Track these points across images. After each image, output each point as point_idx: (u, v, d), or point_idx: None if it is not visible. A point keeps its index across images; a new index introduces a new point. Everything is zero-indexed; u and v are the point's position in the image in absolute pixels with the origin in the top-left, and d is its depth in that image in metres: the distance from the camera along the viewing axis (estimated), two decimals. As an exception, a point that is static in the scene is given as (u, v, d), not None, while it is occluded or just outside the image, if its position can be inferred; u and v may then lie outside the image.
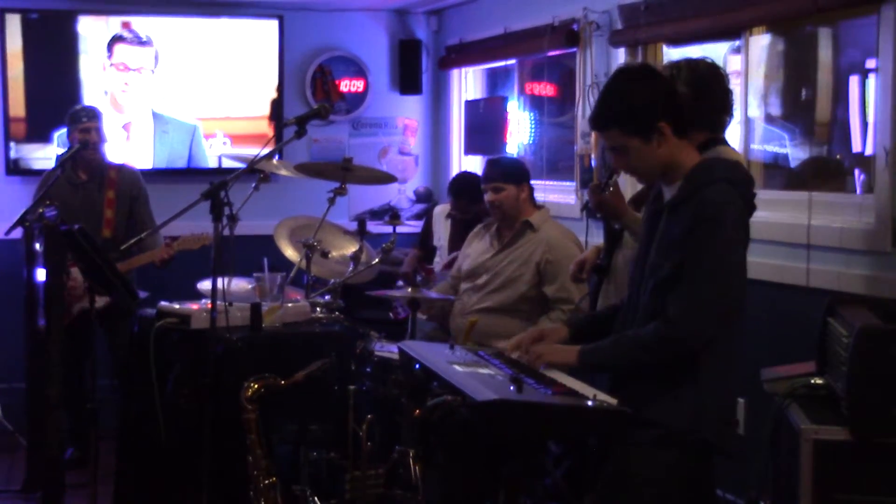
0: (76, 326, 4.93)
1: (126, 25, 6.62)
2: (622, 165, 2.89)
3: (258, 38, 6.87)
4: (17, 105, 6.50)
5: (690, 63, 3.33)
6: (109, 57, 6.60)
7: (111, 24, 6.63)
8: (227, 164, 6.64)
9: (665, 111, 2.78)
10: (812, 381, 3.06)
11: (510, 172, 4.72)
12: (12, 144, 6.52)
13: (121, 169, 5.60)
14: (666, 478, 2.76)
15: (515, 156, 6.19)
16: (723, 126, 3.37)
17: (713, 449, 2.81)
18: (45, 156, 6.45)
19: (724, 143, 3.38)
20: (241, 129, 6.89)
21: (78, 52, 6.57)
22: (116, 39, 6.60)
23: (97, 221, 5.39)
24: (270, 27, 6.88)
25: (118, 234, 5.39)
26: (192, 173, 6.65)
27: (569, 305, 4.47)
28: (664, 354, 2.74)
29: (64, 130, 6.15)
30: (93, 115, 5.48)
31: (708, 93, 3.23)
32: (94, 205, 5.43)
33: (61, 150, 5.93)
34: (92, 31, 6.58)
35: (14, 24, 6.44)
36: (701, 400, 2.76)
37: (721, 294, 2.73)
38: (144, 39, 6.65)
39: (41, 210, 4.75)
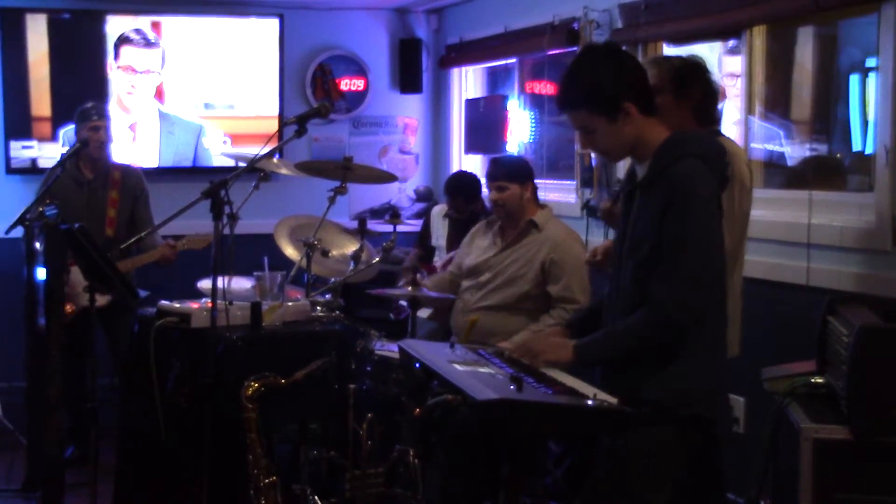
0: (77, 325, 4.93)
1: (155, 25, 6.67)
2: (589, 145, 2.89)
3: (258, 37, 6.87)
4: (43, 105, 6.53)
5: (681, 59, 3.38)
6: (116, 59, 6.60)
7: (140, 24, 6.66)
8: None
9: (630, 90, 2.76)
10: (812, 380, 3.06)
11: (514, 171, 4.72)
12: (34, 143, 6.53)
13: (125, 169, 5.61)
14: (660, 453, 2.75)
15: (519, 155, 6.19)
16: (717, 117, 3.41)
17: (708, 423, 2.80)
18: (47, 155, 6.46)
19: (722, 135, 3.40)
20: (240, 127, 6.89)
21: (106, 52, 6.60)
22: (123, 41, 6.61)
23: (101, 220, 5.40)
24: (271, 26, 6.88)
25: (120, 233, 5.40)
26: (197, 172, 6.65)
27: (572, 305, 4.47)
28: (657, 339, 2.73)
29: (70, 128, 6.19)
30: (103, 112, 5.49)
31: (696, 84, 3.26)
32: (99, 203, 5.44)
33: (66, 149, 5.93)
34: (120, 30, 6.63)
35: (39, 24, 6.47)
36: (690, 375, 2.75)
37: (702, 270, 2.70)
38: (152, 41, 6.65)
39: (41, 209, 4.76)
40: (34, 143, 6.53)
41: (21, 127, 6.51)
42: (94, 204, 5.43)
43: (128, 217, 5.49)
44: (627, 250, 2.81)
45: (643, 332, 2.73)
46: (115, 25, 6.59)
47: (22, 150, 6.49)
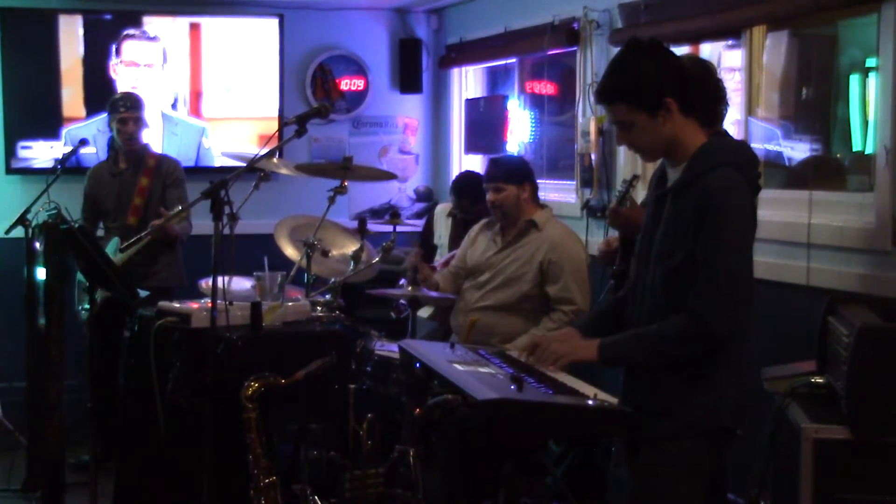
0: (103, 316, 4.79)
1: (194, 27, 6.75)
2: (625, 141, 2.86)
3: (258, 37, 6.87)
4: (77, 105, 6.58)
5: (693, 59, 3.37)
6: (118, 55, 6.62)
7: (178, 24, 6.71)
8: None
9: (673, 87, 2.74)
10: (812, 380, 3.06)
11: (511, 172, 4.71)
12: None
13: (160, 157, 5.60)
14: (694, 467, 2.76)
15: (518, 155, 6.18)
16: (721, 118, 3.40)
17: (733, 434, 2.80)
18: (44, 154, 6.49)
19: (728, 136, 3.40)
20: (240, 127, 6.89)
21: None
22: (125, 37, 6.64)
23: (125, 208, 5.40)
24: (271, 26, 6.88)
25: (147, 221, 5.29)
26: (200, 172, 6.64)
27: (570, 306, 4.47)
28: (690, 350, 2.71)
29: (73, 128, 6.21)
30: (131, 104, 5.47)
31: (703, 85, 3.25)
32: (127, 192, 5.45)
33: (69, 149, 5.95)
34: (158, 30, 6.72)
35: (71, 25, 6.53)
36: (721, 388, 2.74)
37: (740, 283, 2.70)
38: (153, 36, 6.67)
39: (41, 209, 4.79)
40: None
41: (51, 127, 6.55)
42: (123, 193, 5.45)
43: (157, 204, 5.44)
44: (656, 255, 2.79)
45: (677, 342, 2.70)
46: (154, 27, 6.68)
47: (51, 150, 6.49)
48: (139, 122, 5.45)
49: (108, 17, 6.61)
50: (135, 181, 5.43)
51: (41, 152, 6.50)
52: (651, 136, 2.78)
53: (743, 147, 2.97)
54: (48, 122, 6.55)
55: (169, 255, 5.44)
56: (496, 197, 4.67)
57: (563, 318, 4.42)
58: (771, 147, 4.58)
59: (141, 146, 5.50)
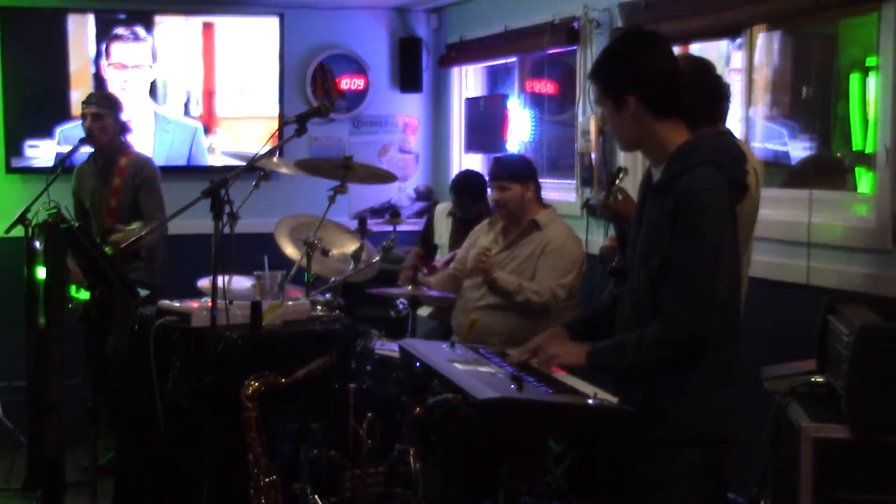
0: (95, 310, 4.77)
1: (207, 26, 6.79)
2: (605, 122, 2.90)
3: (259, 36, 6.87)
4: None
5: (687, 58, 3.36)
6: (107, 57, 6.61)
7: (191, 24, 6.73)
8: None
9: (636, 86, 2.69)
10: (812, 380, 3.06)
11: (516, 171, 4.72)
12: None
13: (132, 157, 5.56)
14: (689, 473, 2.72)
15: (522, 154, 6.18)
16: (723, 115, 3.38)
17: (728, 441, 2.76)
18: (39, 153, 6.50)
19: (730, 134, 3.40)
20: (240, 126, 6.89)
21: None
22: (113, 38, 6.62)
23: (102, 210, 5.40)
24: (271, 25, 6.88)
25: (122, 223, 5.33)
26: (192, 171, 6.65)
27: (530, 283, 4.49)
28: (670, 355, 2.68)
29: (66, 126, 6.21)
30: (92, 100, 5.47)
31: (697, 85, 3.23)
32: (102, 193, 5.44)
33: (64, 147, 5.94)
34: (165, 32, 6.73)
35: (80, 24, 6.54)
36: (705, 393, 2.70)
37: (715, 286, 2.64)
38: (141, 36, 6.66)
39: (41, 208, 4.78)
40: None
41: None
42: (97, 192, 5.44)
43: (129, 206, 5.43)
44: (639, 258, 2.77)
45: (657, 347, 2.68)
46: (166, 26, 6.69)
47: (58, 149, 6.50)
48: (99, 119, 5.36)
49: (122, 16, 6.62)
50: (109, 181, 5.43)
51: (48, 151, 6.50)
52: (617, 126, 2.80)
53: (726, 145, 2.92)
54: (56, 122, 6.54)
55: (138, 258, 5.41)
56: (501, 196, 4.67)
57: (522, 285, 4.48)
58: (776, 147, 4.59)
59: (117, 144, 5.46)
